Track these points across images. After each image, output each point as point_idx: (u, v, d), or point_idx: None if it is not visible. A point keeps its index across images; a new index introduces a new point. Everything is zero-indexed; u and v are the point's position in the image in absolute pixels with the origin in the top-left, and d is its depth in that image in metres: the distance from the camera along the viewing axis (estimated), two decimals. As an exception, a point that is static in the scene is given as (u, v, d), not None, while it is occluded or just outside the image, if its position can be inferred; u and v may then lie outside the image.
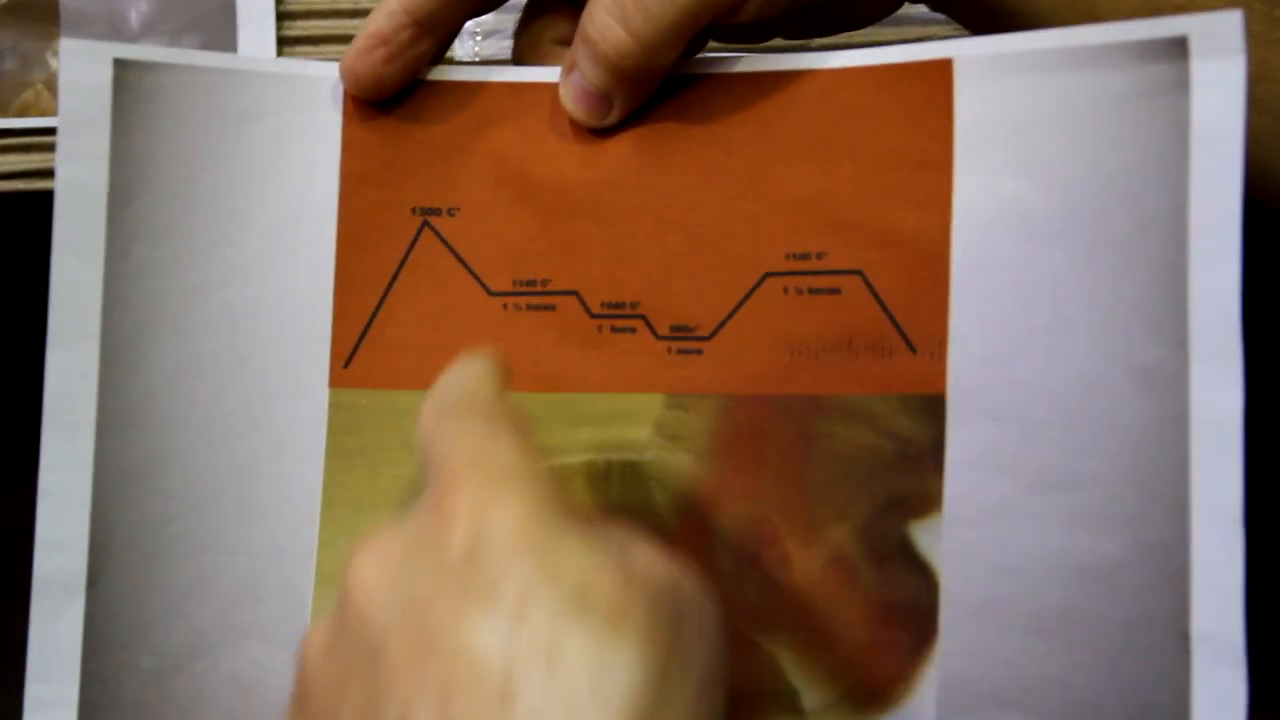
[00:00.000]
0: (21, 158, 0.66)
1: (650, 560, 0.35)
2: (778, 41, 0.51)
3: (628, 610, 0.32)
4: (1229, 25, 0.39)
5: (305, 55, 0.68)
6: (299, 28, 0.68)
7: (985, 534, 0.42)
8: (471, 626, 0.31)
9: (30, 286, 0.49)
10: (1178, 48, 0.40)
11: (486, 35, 0.67)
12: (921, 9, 0.52)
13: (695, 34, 0.44)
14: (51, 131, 0.66)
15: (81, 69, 0.45)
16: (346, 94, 0.47)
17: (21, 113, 0.68)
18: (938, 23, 0.53)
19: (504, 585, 0.32)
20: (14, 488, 0.48)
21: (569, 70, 0.45)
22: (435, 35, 0.46)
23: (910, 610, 0.42)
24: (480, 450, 0.35)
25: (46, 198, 0.45)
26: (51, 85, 0.68)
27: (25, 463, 0.46)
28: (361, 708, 0.32)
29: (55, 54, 0.68)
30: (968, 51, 0.43)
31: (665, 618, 0.33)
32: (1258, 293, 0.42)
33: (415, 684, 0.31)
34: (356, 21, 0.69)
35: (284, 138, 0.47)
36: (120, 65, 0.46)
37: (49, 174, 0.65)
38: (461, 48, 0.67)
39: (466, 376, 0.38)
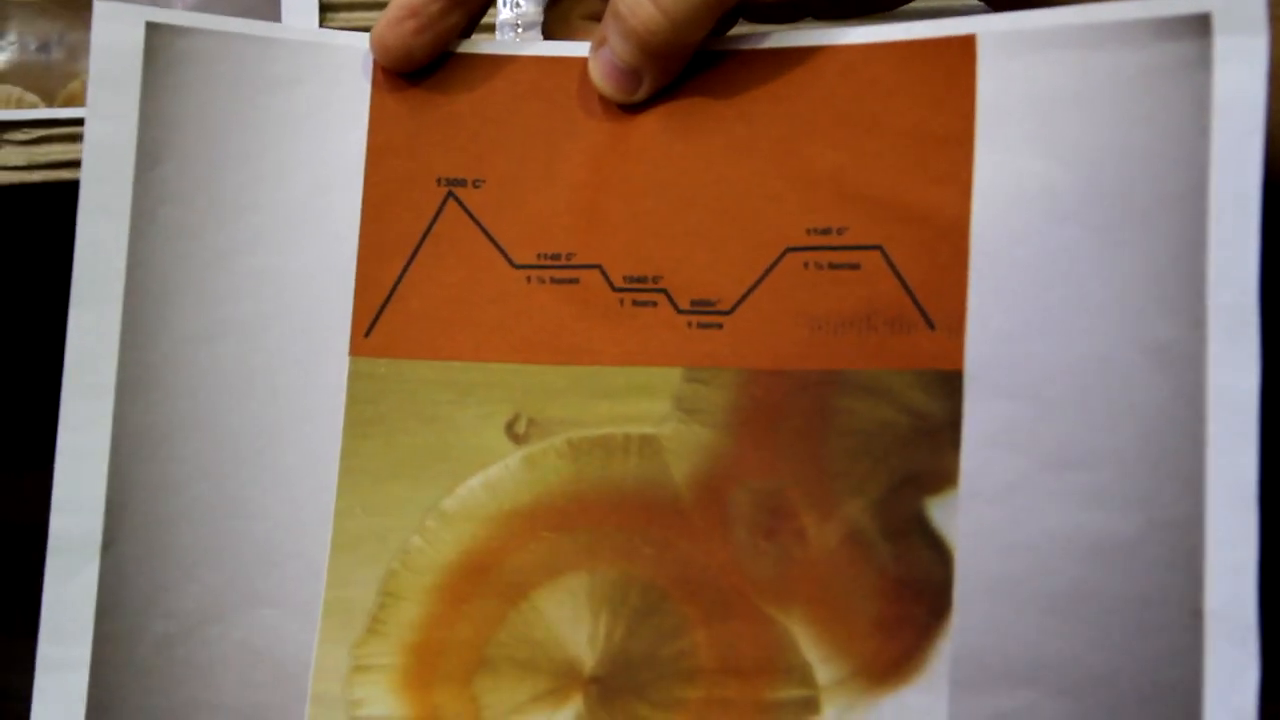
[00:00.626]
0: (67, 147, 0.67)
1: None
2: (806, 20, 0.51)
3: None
4: (1252, 2, 0.40)
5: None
6: (342, 19, 0.69)
7: (1001, 511, 0.41)
8: None
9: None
10: (1200, 24, 0.40)
11: (527, 27, 0.68)
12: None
13: (725, 12, 0.45)
14: (98, 122, 0.67)
15: (113, 31, 0.46)
16: (375, 65, 0.47)
17: (67, 102, 0.68)
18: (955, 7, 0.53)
19: None
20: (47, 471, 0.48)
21: (599, 46, 0.45)
22: (465, 8, 0.46)
23: (924, 586, 0.42)
24: None
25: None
26: (98, 75, 0.69)
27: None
28: None
29: (102, 44, 0.69)
30: (991, 28, 0.43)
31: None
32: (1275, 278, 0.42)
33: None
34: (400, 13, 0.69)
35: (312, 106, 0.47)
36: (152, 28, 0.46)
37: (94, 164, 0.66)
38: (502, 38, 0.68)
39: None
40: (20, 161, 0.67)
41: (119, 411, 0.45)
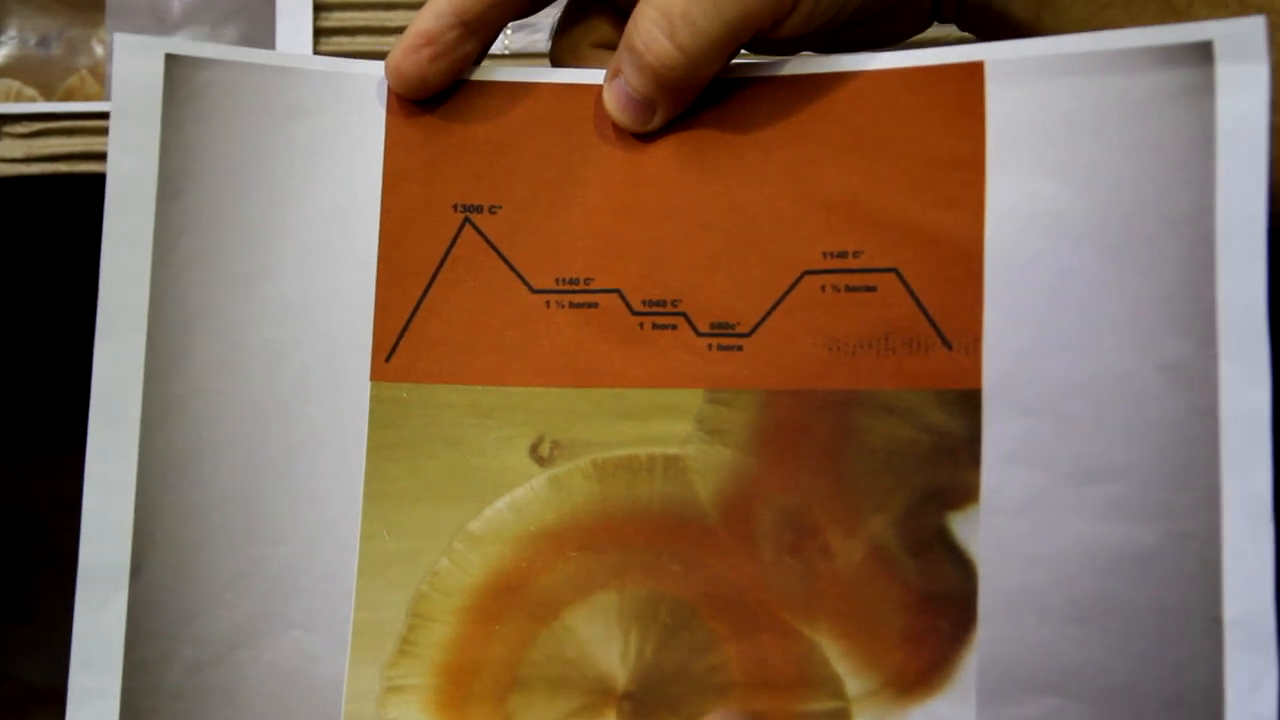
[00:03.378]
0: (66, 141, 0.67)
1: None
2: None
3: None
4: (1252, 30, 0.41)
5: (341, 45, 0.69)
6: (335, 19, 0.70)
7: (1021, 524, 0.43)
8: None
9: (74, 264, 0.49)
10: (1202, 52, 0.41)
11: (516, 29, 0.68)
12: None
13: (738, 48, 0.45)
14: (95, 116, 0.67)
15: (134, 63, 0.46)
16: (391, 92, 0.47)
17: (67, 97, 0.69)
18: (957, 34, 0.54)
19: None
20: (57, 460, 0.49)
21: (613, 76, 0.46)
22: (480, 36, 0.47)
23: (949, 599, 0.43)
24: None
25: (90, 180, 0.46)
26: (96, 71, 0.69)
27: (64, 437, 0.46)
28: None
29: (100, 41, 0.69)
30: (998, 55, 0.44)
31: None
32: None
33: None
34: (392, 13, 0.70)
35: (329, 134, 0.47)
36: (171, 60, 0.46)
37: (93, 157, 0.66)
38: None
39: None
40: (19, 154, 0.67)
41: (145, 440, 0.46)
